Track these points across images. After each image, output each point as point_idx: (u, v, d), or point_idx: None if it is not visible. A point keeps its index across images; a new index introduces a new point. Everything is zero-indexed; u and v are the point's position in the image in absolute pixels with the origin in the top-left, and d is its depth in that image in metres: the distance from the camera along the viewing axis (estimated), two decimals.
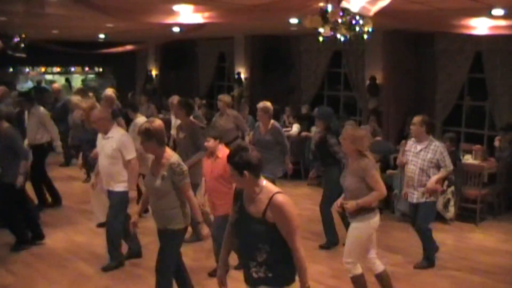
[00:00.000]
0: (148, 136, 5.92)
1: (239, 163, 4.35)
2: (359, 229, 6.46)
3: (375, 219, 6.49)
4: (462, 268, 8.19)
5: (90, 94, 12.96)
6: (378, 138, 11.66)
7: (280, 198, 4.34)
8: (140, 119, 9.74)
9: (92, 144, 8.63)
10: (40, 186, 10.77)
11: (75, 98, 11.83)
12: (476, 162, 10.85)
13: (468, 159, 11.10)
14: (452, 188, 10.20)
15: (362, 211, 6.35)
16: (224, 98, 11.52)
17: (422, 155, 7.88)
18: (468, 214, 10.46)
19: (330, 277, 7.66)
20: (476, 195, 10.31)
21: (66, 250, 8.58)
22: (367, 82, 14.39)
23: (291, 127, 13.95)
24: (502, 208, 11.00)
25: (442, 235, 9.65)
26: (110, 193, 7.72)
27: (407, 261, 8.39)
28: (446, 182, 10.17)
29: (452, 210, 10.26)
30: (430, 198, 7.89)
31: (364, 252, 6.65)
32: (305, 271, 4.40)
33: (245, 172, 4.34)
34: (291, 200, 4.36)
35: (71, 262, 8.13)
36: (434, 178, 7.79)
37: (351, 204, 6.32)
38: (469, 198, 10.45)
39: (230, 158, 4.43)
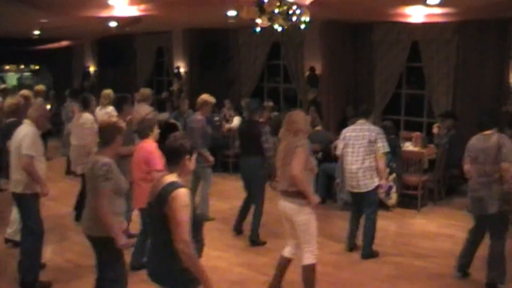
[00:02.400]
0: None
1: None
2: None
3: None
4: (405, 254, 8.27)
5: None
6: (318, 128, 11.62)
7: None
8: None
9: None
10: None
11: None
12: (416, 149, 10.97)
13: (408, 146, 11.22)
14: (394, 175, 10.29)
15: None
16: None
17: None
18: (409, 201, 10.58)
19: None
20: (417, 182, 10.42)
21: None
22: (307, 73, 14.42)
23: (232, 120, 13.89)
24: (442, 194, 11.15)
25: (385, 222, 9.71)
26: None
27: None
28: (387, 170, 10.27)
29: (394, 197, 10.34)
30: None
31: None
32: None
33: None
34: None
35: None
36: None
37: None
38: (410, 185, 10.56)
39: None
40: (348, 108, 13.55)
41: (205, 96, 9.68)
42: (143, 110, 10.05)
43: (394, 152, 10.40)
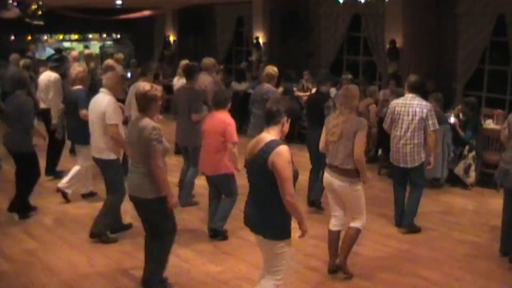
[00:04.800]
0: None
1: None
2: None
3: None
4: (483, 234, 8.14)
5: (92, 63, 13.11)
6: None
7: None
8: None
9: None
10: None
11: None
12: (497, 127, 10.70)
13: (489, 124, 10.96)
14: (473, 153, 10.09)
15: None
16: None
17: None
18: (489, 180, 10.32)
19: None
20: (497, 160, 10.14)
21: (88, 216, 8.54)
22: (387, 46, 14.20)
23: (310, 91, 13.86)
24: None
25: (463, 201, 9.59)
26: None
27: (427, 226, 8.34)
28: (466, 147, 10.07)
29: (473, 175, 10.17)
30: None
31: None
32: None
33: None
34: None
35: None
36: None
37: None
38: (490, 163, 10.32)
39: None
40: (429, 83, 13.25)
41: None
42: (205, 80, 10.08)
43: (476, 129, 10.19)
